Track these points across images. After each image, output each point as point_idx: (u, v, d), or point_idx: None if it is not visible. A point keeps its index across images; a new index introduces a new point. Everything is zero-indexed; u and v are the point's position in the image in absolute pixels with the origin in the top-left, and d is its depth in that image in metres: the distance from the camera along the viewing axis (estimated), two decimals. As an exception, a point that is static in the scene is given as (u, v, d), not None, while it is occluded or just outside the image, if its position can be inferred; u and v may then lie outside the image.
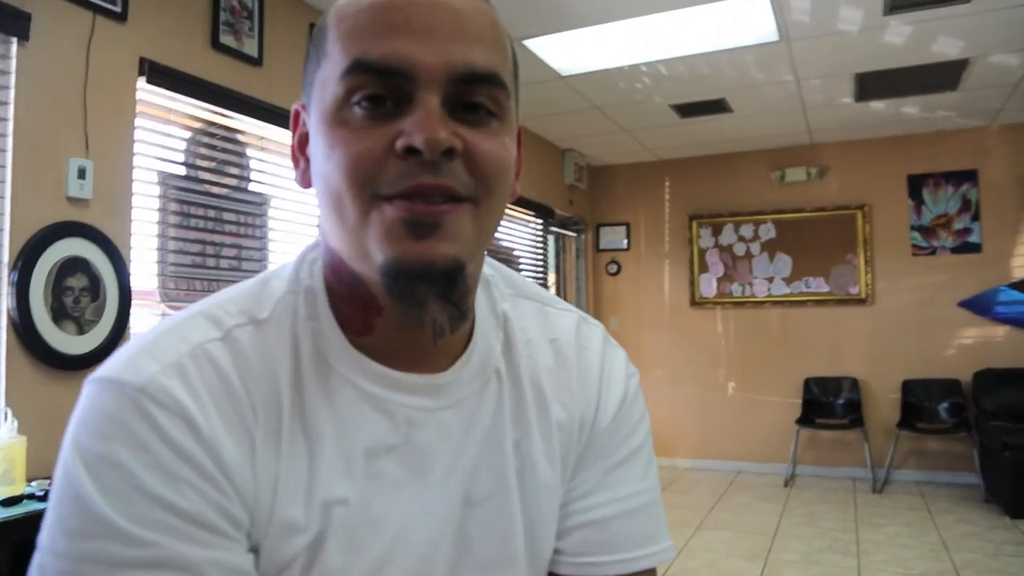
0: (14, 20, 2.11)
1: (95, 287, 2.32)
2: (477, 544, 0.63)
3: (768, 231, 5.79)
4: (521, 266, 5.26)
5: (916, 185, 5.39)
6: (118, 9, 2.39)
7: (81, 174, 2.27)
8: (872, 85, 4.32)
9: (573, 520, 0.68)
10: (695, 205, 6.05)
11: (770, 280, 5.79)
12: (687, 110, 4.81)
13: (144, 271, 2.57)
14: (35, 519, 1.72)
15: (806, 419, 5.47)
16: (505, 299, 0.70)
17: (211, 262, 2.84)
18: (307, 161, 0.60)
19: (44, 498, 1.82)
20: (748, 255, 5.86)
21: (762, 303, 5.81)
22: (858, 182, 5.57)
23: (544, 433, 0.67)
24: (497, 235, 4.88)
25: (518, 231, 5.23)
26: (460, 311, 0.61)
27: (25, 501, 1.81)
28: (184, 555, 0.50)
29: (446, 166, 0.53)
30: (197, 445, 0.52)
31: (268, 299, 0.61)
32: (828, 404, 5.55)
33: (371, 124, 0.53)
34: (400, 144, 0.52)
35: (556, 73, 4.09)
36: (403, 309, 0.58)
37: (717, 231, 5.96)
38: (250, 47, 2.91)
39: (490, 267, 0.72)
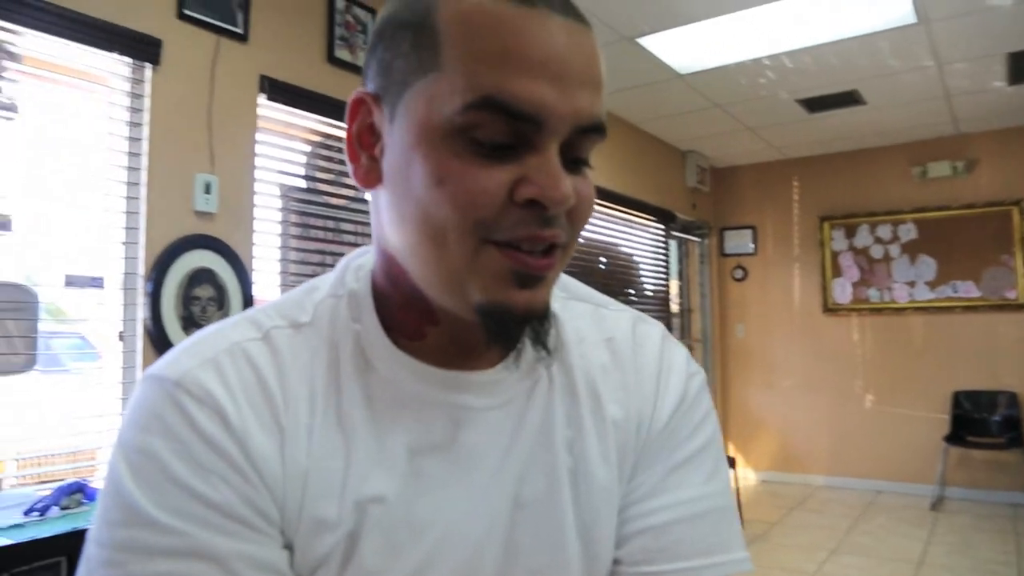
0: (148, 47, 2.24)
1: (220, 297, 2.43)
2: (526, 550, 0.60)
3: (908, 232, 5.37)
4: (641, 273, 5.13)
5: (1084, 177, 4.85)
6: (240, 30, 2.50)
7: (207, 189, 2.38)
8: (1029, 68, 3.92)
9: (631, 526, 0.63)
10: (826, 205, 5.71)
11: (912, 285, 5.36)
12: (815, 104, 4.54)
13: (266, 281, 2.67)
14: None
15: (956, 436, 5.01)
16: (556, 300, 0.67)
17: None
18: (372, 160, 0.56)
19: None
20: (887, 258, 5.46)
21: (903, 309, 5.39)
22: (1013, 175, 5.06)
23: (599, 432, 0.63)
24: (616, 241, 4.81)
25: (638, 236, 5.11)
26: (546, 343, 0.62)
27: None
28: (213, 546, 0.50)
29: (558, 218, 0.53)
30: (227, 436, 0.52)
31: (310, 304, 0.61)
32: (981, 421, 5.07)
33: (489, 163, 0.51)
34: (525, 195, 0.51)
35: (674, 72, 3.96)
36: (492, 341, 0.58)
37: (851, 233, 5.59)
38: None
39: None
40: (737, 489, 4.76)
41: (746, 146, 5.52)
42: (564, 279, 0.71)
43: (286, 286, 2.75)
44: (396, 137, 0.54)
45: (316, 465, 0.55)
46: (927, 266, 5.31)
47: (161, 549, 0.49)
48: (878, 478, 5.44)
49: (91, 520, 0.53)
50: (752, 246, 6.04)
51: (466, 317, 0.54)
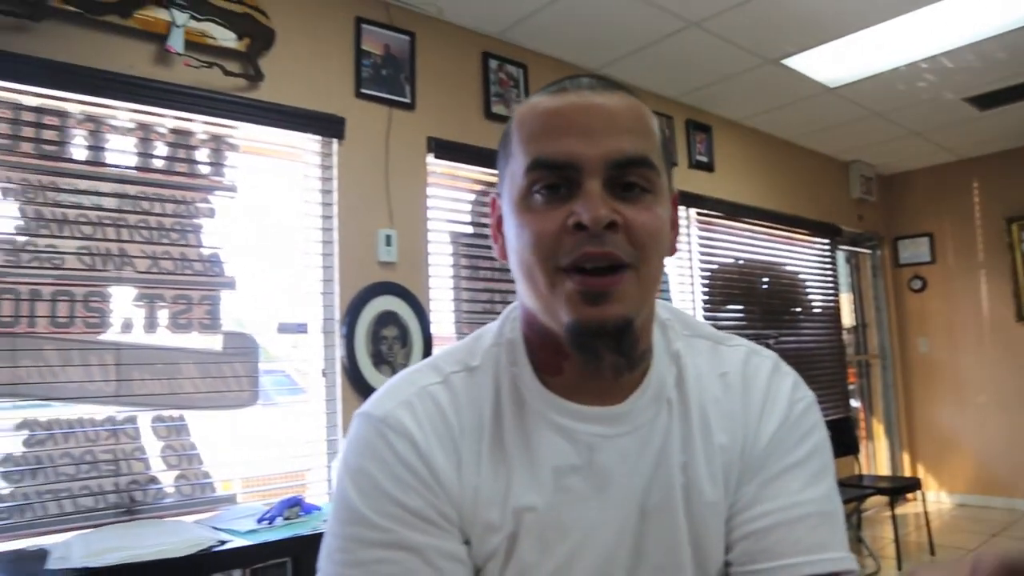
0: (334, 125, 2.63)
1: (404, 336, 2.75)
2: (650, 552, 0.72)
3: (1116, 226, 4.87)
4: (808, 290, 5.02)
5: None
6: (408, 100, 2.85)
7: (388, 241, 2.72)
8: None
9: (735, 533, 0.73)
10: (1012, 205, 5.28)
11: (1124, 284, 4.84)
12: (986, 101, 4.29)
13: (442, 319, 2.97)
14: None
15: None
16: (679, 339, 0.81)
17: (499, 308, 3.17)
18: (503, 238, 0.76)
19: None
20: (1090, 257, 4.97)
21: (1115, 312, 4.87)
22: None
23: (708, 456, 0.75)
24: (779, 260, 4.75)
25: (801, 253, 5.01)
26: (631, 356, 0.73)
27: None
28: (411, 539, 0.68)
29: (609, 238, 0.66)
30: (418, 460, 0.70)
31: (479, 351, 0.79)
32: None
33: (549, 208, 0.68)
34: (570, 221, 0.66)
35: (823, 87, 3.92)
36: (584, 358, 0.71)
37: (1045, 232, 5.15)
38: (518, 112, 3.25)
39: (668, 312, 0.83)
40: (926, 512, 4.49)
41: (914, 151, 5.26)
42: (686, 318, 0.85)
43: (459, 323, 3.03)
44: (504, 211, 0.74)
45: (484, 482, 0.71)
46: None
47: (375, 541, 0.67)
48: (1096, 500, 4.90)
49: (327, 520, 0.73)
50: (930, 254, 5.69)
51: (564, 340, 0.69)
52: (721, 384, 0.78)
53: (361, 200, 2.70)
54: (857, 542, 4.38)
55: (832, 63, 3.64)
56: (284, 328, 2.60)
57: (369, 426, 0.72)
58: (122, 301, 2.22)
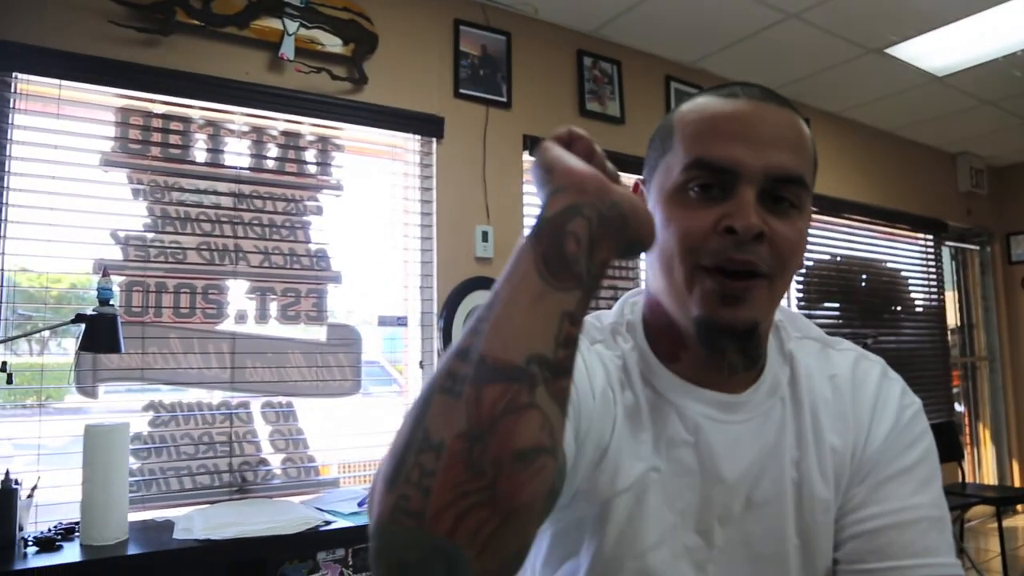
0: (434, 125, 2.72)
1: (497, 328, 2.81)
2: (754, 539, 0.74)
3: None
4: (910, 288, 4.82)
5: None
6: (504, 99, 2.91)
7: (484, 237, 2.79)
8: None
9: (846, 532, 0.75)
10: None
11: None
12: (1115, 89, 4.02)
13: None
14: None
15: None
16: (791, 340, 0.83)
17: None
18: None
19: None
20: None
21: None
22: None
23: (820, 455, 0.76)
24: (879, 257, 4.59)
25: (903, 249, 4.82)
26: (752, 358, 0.76)
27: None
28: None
29: (754, 247, 0.68)
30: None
31: (604, 329, 0.82)
32: None
33: (701, 206, 0.70)
34: (722, 224, 0.68)
35: (931, 75, 3.76)
36: (708, 353, 0.73)
37: None
38: (612, 108, 3.26)
39: (781, 313, 0.84)
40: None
41: (1030, 141, 4.97)
42: (798, 319, 0.86)
43: (550, 317, 3.07)
44: (651, 200, 0.76)
45: (615, 440, 0.73)
46: None
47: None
48: None
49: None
50: (1047, 251, 5.37)
51: (689, 330, 0.72)
52: (831, 386, 0.80)
53: (459, 197, 2.78)
54: (959, 553, 4.21)
55: (940, 51, 3.49)
56: (385, 321, 2.70)
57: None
58: (237, 294, 2.37)
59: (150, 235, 2.24)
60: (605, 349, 0.79)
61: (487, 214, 2.82)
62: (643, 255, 0.76)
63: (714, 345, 0.72)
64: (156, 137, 2.27)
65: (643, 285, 0.84)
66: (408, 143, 2.75)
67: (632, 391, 0.77)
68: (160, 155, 2.28)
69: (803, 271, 4.06)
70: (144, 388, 2.24)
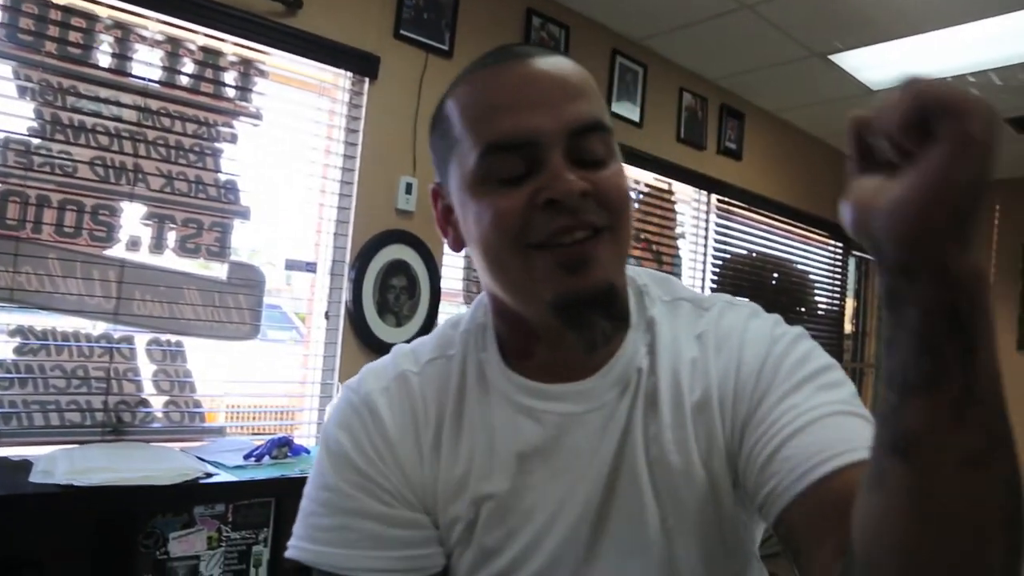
0: (368, 63, 2.54)
1: (412, 287, 2.70)
2: (615, 530, 0.70)
3: None
4: (816, 291, 4.97)
5: None
6: (446, 48, 2.76)
7: (408, 189, 2.66)
8: None
9: (761, 473, 0.63)
10: (1033, 233, 5.23)
11: None
12: (1027, 125, 4.20)
13: (452, 275, 2.92)
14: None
15: None
16: (656, 304, 0.77)
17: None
18: (454, 229, 0.73)
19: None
20: (1102, 295, 4.93)
21: (1118, 353, 4.86)
22: None
23: (677, 422, 0.70)
24: (792, 257, 4.69)
25: (814, 253, 4.95)
26: (620, 319, 0.71)
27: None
28: (374, 508, 0.71)
29: (582, 206, 0.64)
30: (385, 446, 0.73)
31: (457, 337, 0.79)
32: None
33: (511, 188, 0.64)
34: (542, 199, 0.63)
35: (866, 88, 3.82)
36: (575, 332, 0.67)
37: (1061, 264, 5.10)
38: (555, 74, 3.15)
39: (647, 277, 0.80)
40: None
41: (943, 165, 5.17)
42: (666, 281, 0.80)
43: (469, 280, 2.98)
44: (455, 200, 0.71)
45: (444, 474, 0.73)
46: None
47: (341, 508, 0.71)
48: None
49: (308, 480, 0.77)
50: (942, 271, 5.64)
51: (548, 321, 0.67)
52: (698, 345, 0.73)
53: (387, 144, 2.62)
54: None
55: (879, 65, 3.54)
56: (292, 265, 2.54)
57: (350, 401, 0.76)
58: (131, 218, 2.16)
59: (35, 141, 2.00)
60: (441, 369, 0.77)
61: (414, 166, 2.68)
62: (464, 252, 0.73)
63: (579, 321, 0.66)
64: (53, 31, 2.01)
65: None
66: (339, 79, 2.56)
67: (461, 414, 0.74)
68: (56, 52, 2.02)
69: (719, 263, 4.11)
70: (13, 309, 2.01)
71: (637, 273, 0.80)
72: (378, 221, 2.61)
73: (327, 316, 2.58)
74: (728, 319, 0.75)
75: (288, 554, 0.72)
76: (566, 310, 0.65)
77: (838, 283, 5.19)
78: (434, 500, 0.73)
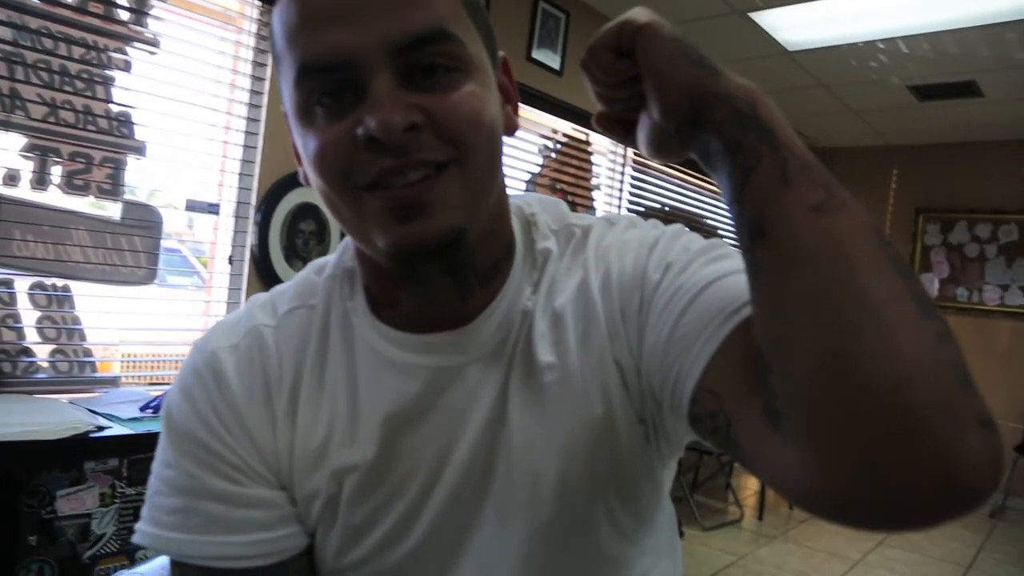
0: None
1: (322, 232, 2.59)
2: (500, 493, 0.63)
3: (1010, 232, 5.16)
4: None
5: None
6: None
7: (319, 131, 2.52)
8: None
9: (656, 356, 0.58)
10: (925, 198, 5.51)
11: (1004, 288, 5.18)
12: (928, 92, 4.37)
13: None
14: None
15: (1028, 447, 4.90)
16: (548, 236, 0.67)
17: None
18: (300, 160, 0.62)
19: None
20: (981, 258, 5.27)
21: (991, 312, 5.22)
22: None
23: (561, 364, 0.62)
24: (701, 213, 4.79)
25: (721, 210, 5.07)
26: (468, 277, 0.61)
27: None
28: (217, 487, 0.62)
29: (413, 141, 0.52)
30: (230, 412, 0.63)
31: (320, 283, 0.68)
32: (1058, 434, 4.92)
33: (334, 119, 0.53)
34: (360, 134, 0.52)
35: (782, 48, 3.88)
36: (412, 289, 0.61)
37: (947, 228, 5.41)
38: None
39: (538, 205, 0.70)
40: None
41: (848, 129, 5.36)
42: (561, 210, 0.70)
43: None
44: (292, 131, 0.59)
45: (301, 442, 0.64)
46: (1023, 271, 5.12)
47: (182, 488, 0.62)
48: (939, 479, 5.36)
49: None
50: (840, 230, 5.90)
51: (387, 267, 0.58)
52: (582, 272, 0.64)
53: (296, 81, 2.47)
54: (725, 488, 4.64)
55: (797, 25, 3.59)
56: (193, 206, 2.39)
57: (193, 362, 0.65)
58: (9, 149, 1.97)
59: None
60: (301, 321, 0.67)
61: (327, 106, 2.55)
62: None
63: (411, 276, 0.59)
64: (-89, -68, 1.78)
65: None
66: (245, 8, 2.39)
67: (322, 373, 0.65)
68: (-84, -43, 1.79)
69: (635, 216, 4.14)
70: None
71: (526, 201, 0.70)
72: (287, 162, 2.47)
73: (231, 261, 2.45)
74: (608, 238, 0.66)
75: (134, 539, 0.64)
76: (398, 262, 0.56)
77: (744, 239, 5.34)
78: (290, 473, 0.64)
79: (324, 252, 2.60)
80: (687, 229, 0.66)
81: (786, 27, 3.62)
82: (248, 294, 2.43)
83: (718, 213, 5.01)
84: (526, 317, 0.63)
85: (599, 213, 3.93)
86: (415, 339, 0.63)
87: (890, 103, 4.66)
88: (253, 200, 2.44)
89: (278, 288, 0.71)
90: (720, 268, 0.58)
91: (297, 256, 2.53)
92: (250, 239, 2.44)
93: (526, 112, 3.40)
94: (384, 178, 0.53)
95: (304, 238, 2.55)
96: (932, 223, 5.48)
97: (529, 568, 0.64)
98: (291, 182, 2.47)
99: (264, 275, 2.44)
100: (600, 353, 0.62)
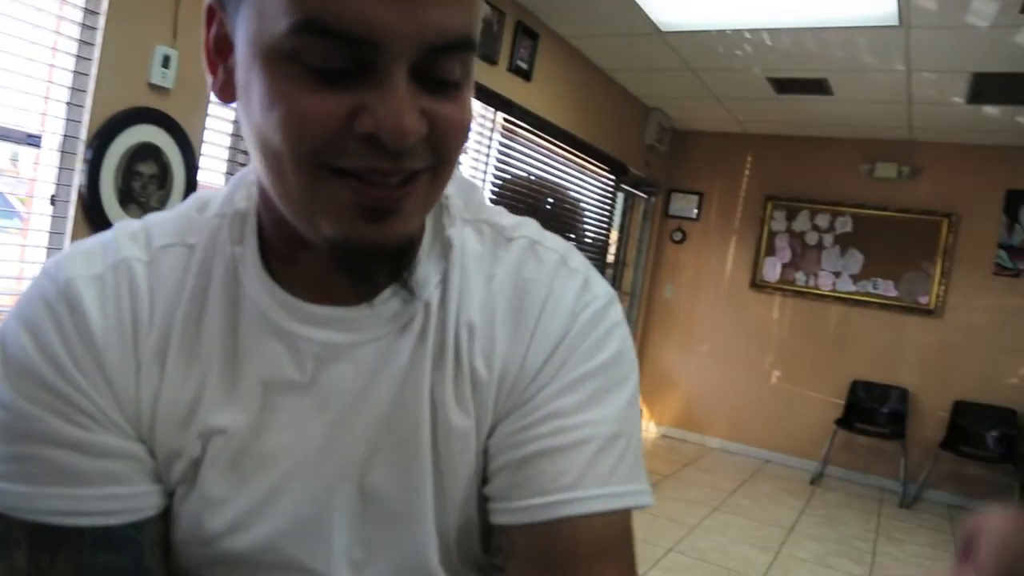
0: None
1: (164, 176, 2.36)
2: (384, 494, 0.60)
3: (845, 224, 5.57)
4: (586, 219, 5.18)
5: (1014, 202, 5.08)
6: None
7: (165, 63, 2.28)
8: (989, 88, 4.05)
9: (495, 463, 0.60)
10: (774, 186, 5.84)
11: (837, 275, 5.59)
12: (785, 86, 4.59)
13: (213, 168, 2.60)
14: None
15: (846, 421, 5.34)
16: (456, 223, 0.63)
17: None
18: (227, 76, 0.52)
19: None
20: (819, 245, 5.66)
21: (824, 297, 5.63)
22: (950, 189, 5.27)
23: (459, 379, 0.60)
24: (567, 184, 4.82)
25: (589, 183, 5.13)
26: (402, 271, 0.58)
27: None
28: (67, 433, 0.53)
29: (412, 151, 0.48)
30: (87, 352, 0.54)
31: (201, 222, 0.60)
32: (872, 411, 5.41)
33: (324, 86, 0.46)
34: (363, 128, 0.46)
35: (656, 27, 3.92)
36: (347, 278, 0.57)
37: (792, 216, 5.76)
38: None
39: (452, 185, 0.63)
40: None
41: (710, 114, 5.56)
42: (473, 196, 0.66)
43: (231, 174, 2.68)
44: (240, 51, 0.49)
45: (169, 394, 0.57)
46: (854, 260, 5.54)
47: (23, 433, 0.53)
48: (769, 449, 5.77)
49: None
50: (696, 212, 6.15)
51: (323, 249, 0.52)
52: (486, 292, 0.61)
53: (140, 4, 2.21)
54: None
55: (672, 6, 3.63)
56: (9, 135, 2.09)
57: (42, 292, 0.56)
58: None
59: None
60: (178, 261, 0.59)
61: (174, 34, 2.30)
62: (232, 107, 0.55)
63: (357, 272, 0.54)
64: None
65: None
66: (80, -87, 2.10)
67: (200, 321, 0.58)
68: None
69: (499, 183, 4.10)
70: None
71: None
72: (126, 95, 2.22)
73: (53, 201, 2.18)
74: (529, 269, 0.62)
75: None
76: (346, 256, 0.51)
77: (607, 215, 5.45)
78: (151, 425, 0.57)
79: (166, 198, 2.37)
80: (615, 300, 0.64)
81: (662, 7, 3.66)
82: (74, 240, 2.17)
83: (582, 186, 5.07)
84: (429, 312, 0.60)
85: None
86: (305, 309, 0.57)
87: (751, 93, 4.86)
88: (83, 135, 2.17)
89: (151, 218, 0.61)
90: (595, 421, 0.58)
91: (134, 201, 2.29)
92: (78, 178, 2.17)
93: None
94: (368, 171, 0.48)
95: (143, 181, 2.31)
96: (779, 210, 5.81)
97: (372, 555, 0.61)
98: (131, 116, 2.22)
99: (94, 219, 2.19)
100: (483, 396, 0.60)
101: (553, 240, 0.66)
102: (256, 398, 0.57)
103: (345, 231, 0.49)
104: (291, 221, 0.53)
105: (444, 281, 0.61)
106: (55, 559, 0.53)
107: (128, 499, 0.56)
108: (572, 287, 0.63)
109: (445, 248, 0.62)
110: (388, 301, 0.59)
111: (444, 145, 0.50)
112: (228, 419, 0.57)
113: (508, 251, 0.63)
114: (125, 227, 0.60)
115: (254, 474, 0.58)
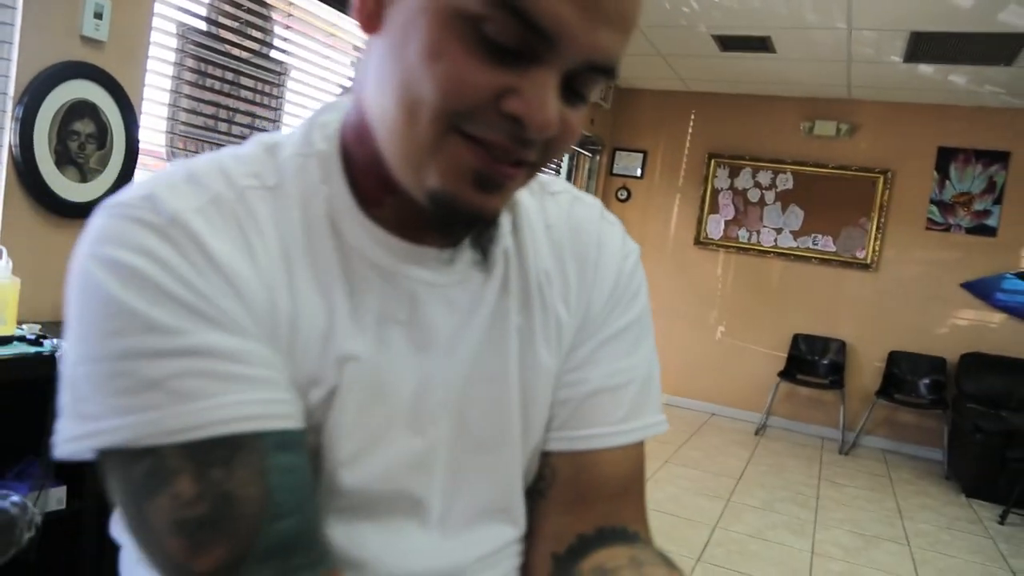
0: None
1: (102, 135, 2.23)
2: (475, 422, 0.64)
3: (786, 181, 5.69)
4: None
5: (945, 158, 5.27)
6: None
7: (98, 14, 2.14)
8: (925, 46, 4.15)
9: (559, 395, 0.68)
10: (716, 143, 5.91)
11: (778, 231, 5.72)
12: (729, 43, 4.62)
13: (153, 126, 2.48)
14: (23, 361, 1.70)
15: (788, 373, 5.52)
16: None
17: (223, 127, 2.75)
18: (379, 4, 0.53)
19: (35, 342, 1.79)
20: (761, 202, 5.77)
21: (766, 252, 5.77)
22: (886, 146, 5.43)
23: (544, 319, 0.67)
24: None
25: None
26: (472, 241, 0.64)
27: (15, 343, 1.78)
28: (216, 341, 0.50)
29: (537, 143, 0.52)
30: (208, 262, 0.52)
31: (273, 164, 0.59)
32: (812, 362, 5.60)
33: (488, 60, 0.49)
34: (510, 108, 0.49)
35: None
36: (435, 230, 0.60)
37: (734, 173, 5.85)
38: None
39: None
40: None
41: (654, 72, 5.56)
42: None
43: (173, 135, 2.57)
44: (414, 14, 0.50)
45: (304, 320, 0.56)
46: (795, 216, 5.68)
47: (167, 350, 0.49)
48: (715, 402, 5.93)
49: (68, 346, 0.51)
50: (640, 170, 6.19)
51: (418, 198, 0.54)
52: (548, 240, 0.69)
53: (69, -51, 2.07)
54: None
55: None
56: (-71, 91, 1.95)
57: (142, 222, 0.51)
58: None
59: None
60: (269, 203, 0.57)
61: (109, -16, 2.16)
62: (362, 56, 0.57)
63: (447, 226, 0.60)
64: None
65: (346, 100, 0.62)
66: None
67: (316, 259, 0.57)
68: None
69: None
70: None
71: None
72: (56, 48, 2.08)
73: (-18, 162, 2.04)
74: (579, 220, 0.71)
75: (71, 450, 0.49)
76: (444, 211, 0.53)
77: (552, 173, 5.43)
78: (290, 349, 0.55)
79: (106, 158, 2.24)
80: (639, 254, 0.74)
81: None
82: (7, 204, 2.04)
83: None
84: (508, 259, 0.65)
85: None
86: (401, 246, 0.59)
87: (695, 50, 4.87)
88: (11, 91, 2.02)
89: (214, 159, 0.58)
90: (633, 366, 0.69)
91: (72, 162, 2.16)
92: (8, 138, 2.03)
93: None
94: (496, 144, 0.51)
95: (80, 140, 2.18)
96: (721, 168, 5.89)
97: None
98: (64, 71, 2.08)
99: (29, 182, 2.06)
100: (560, 332, 0.68)
101: (587, 195, 0.75)
102: (372, 328, 0.58)
103: (454, 190, 0.52)
104: (391, 163, 0.54)
105: (516, 230, 0.67)
106: (231, 470, 0.50)
107: (294, 404, 0.54)
108: (615, 236, 0.73)
109: (511, 204, 0.67)
110: (469, 248, 0.63)
111: (557, 148, 0.54)
112: (358, 347, 0.57)
113: (556, 204, 0.71)
114: (197, 167, 0.56)
115: (374, 405, 0.59)
